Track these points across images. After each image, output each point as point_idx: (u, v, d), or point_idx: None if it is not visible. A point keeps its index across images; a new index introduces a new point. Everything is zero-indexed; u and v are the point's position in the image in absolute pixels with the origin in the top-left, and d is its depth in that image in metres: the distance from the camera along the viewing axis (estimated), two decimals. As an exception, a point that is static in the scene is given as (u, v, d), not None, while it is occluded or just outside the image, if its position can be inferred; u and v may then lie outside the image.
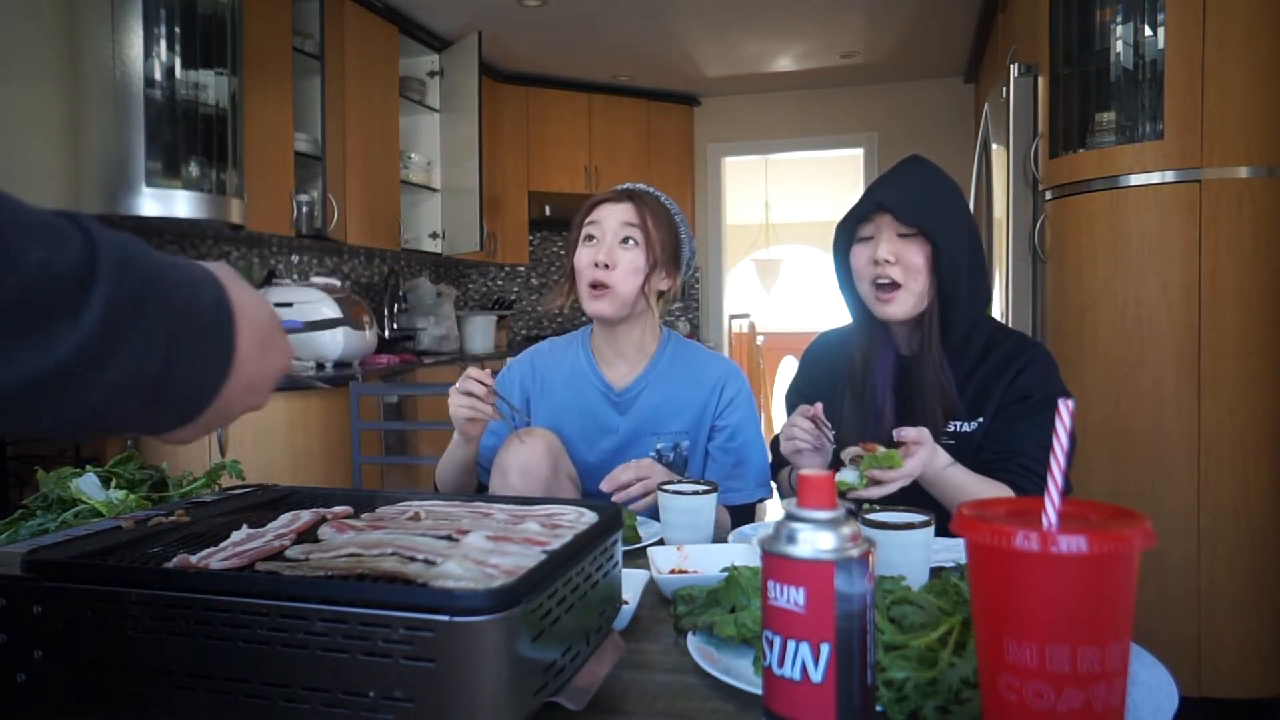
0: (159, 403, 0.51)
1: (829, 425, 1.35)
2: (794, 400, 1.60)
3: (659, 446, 1.57)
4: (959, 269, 1.38)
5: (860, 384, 1.46)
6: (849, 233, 1.47)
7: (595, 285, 1.53)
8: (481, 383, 1.37)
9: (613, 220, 1.55)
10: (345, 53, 3.92)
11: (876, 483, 1.22)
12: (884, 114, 5.80)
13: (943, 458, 1.29)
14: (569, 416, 1.59)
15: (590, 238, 1.56)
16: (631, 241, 1.54)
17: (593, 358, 1.62)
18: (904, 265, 1.39)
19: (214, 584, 0.64)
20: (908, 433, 1.25)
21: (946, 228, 1.38)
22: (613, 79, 5.62)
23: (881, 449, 1.23)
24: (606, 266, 1.52)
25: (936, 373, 1.40)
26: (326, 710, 0.61)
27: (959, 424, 1.42)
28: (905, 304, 1.40)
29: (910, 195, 1.39)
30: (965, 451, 1.37)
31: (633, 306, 1.55)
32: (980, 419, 1.41)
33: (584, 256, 1.55)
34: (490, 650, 0.58)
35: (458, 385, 1.39)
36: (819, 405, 1.36)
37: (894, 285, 1.39)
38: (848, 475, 1.23)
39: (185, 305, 0.52)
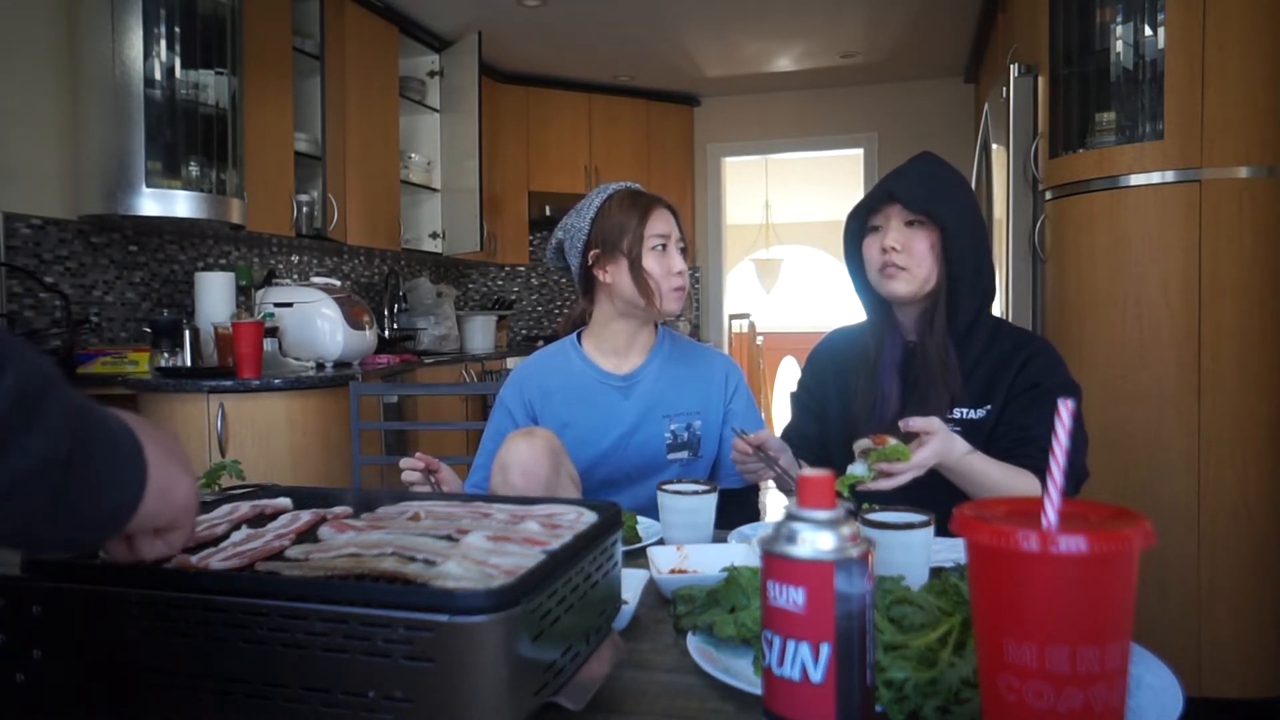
0: (66, 503, 0.53)
1: (772, 456, 1.37)
2: (800, 397, 1.66)
3: (673, 427, 1.62)
4: (965, 253, 1.42)
5: (872, 369, 1.50)
6: (860, 223, 1.52)
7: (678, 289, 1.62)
8: (413, 469, 1.39)
9: (671, 228, 1.62)
10: (345, 53, 3.92)
11: (886, 475, 1.20)
12: (884, 114, 5.80)
13: (961, 445, 1.27)
14: (576, 413, 1.63)
15: (659, 247, 1.61)
16: (682, 248, 1.64)
17: (587, 357, 1.67)
18: (909, 252, 1.44)
19: (214, 584, 0.64)
20: (915, 422, 1.24)
21: (953, 214, 1.43)
22: (613, 79, 5.62)
23: (892, 440, 1.20)
24: (680, 274, 1.61)
25: (940, 354, 1.42)
26: (326, 710, 0.61)
27: (965, 411, 1.42)
28: (910, 283, 1.45)
29: (918, 185, 1.45)
30: (974, 439, 1.37)
31: None
32: (988, 406, 1.42)
33: (660, 266, 1.60)
34: (490, 650, 0.58)
35: (403, 477, 1.41)
36: (762, 435, 1.38)
37: (901, 267, 1.45)
38: (858, 469, 1.21)
39: (96, 421, 0.56)
